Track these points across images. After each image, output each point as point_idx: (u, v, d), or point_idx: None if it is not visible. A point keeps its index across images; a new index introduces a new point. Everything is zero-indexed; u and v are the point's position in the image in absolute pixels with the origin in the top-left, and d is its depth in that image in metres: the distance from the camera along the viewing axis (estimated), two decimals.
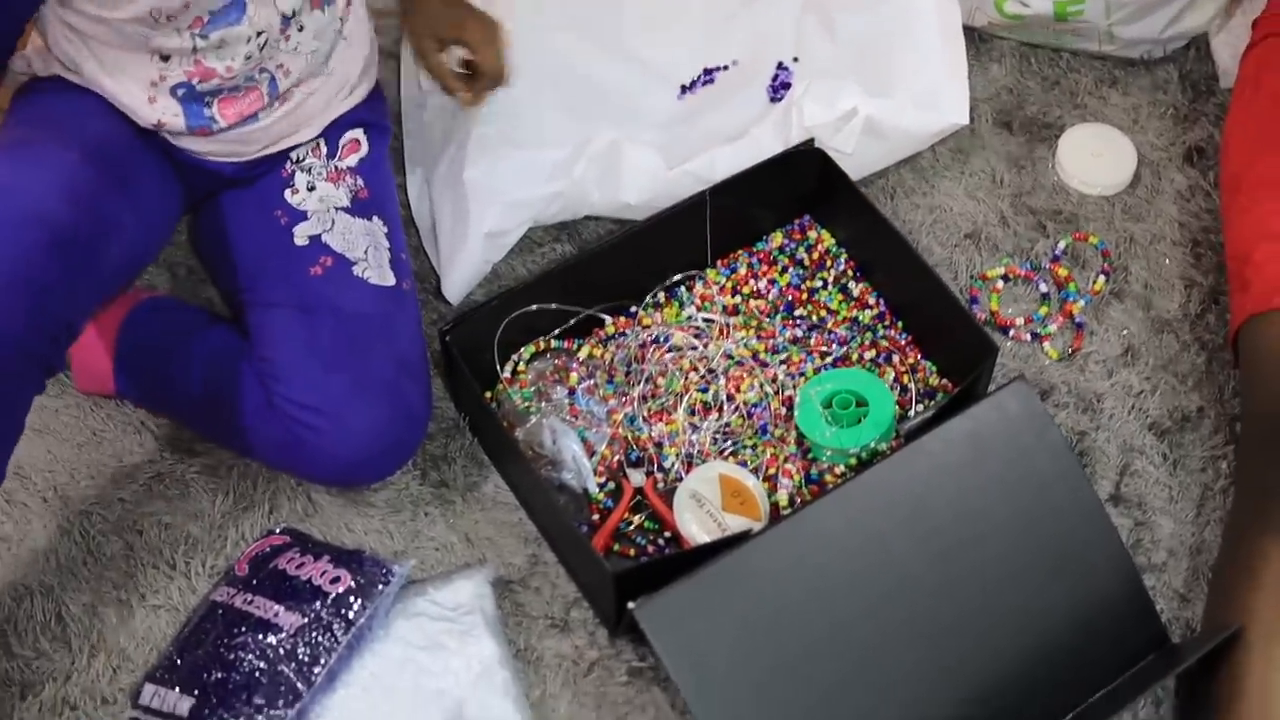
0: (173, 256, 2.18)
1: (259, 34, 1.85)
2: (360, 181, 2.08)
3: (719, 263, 2.19)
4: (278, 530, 1.97)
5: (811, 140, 2.16)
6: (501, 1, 2.31)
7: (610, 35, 2.37)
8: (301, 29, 1.90)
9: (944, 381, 2.10)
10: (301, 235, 2.01)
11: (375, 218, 2.06)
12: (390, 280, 2.00)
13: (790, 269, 2.19)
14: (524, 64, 2.24)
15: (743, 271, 2.18)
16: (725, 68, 2.37)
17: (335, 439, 1.91)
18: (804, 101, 2.18)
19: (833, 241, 2.21)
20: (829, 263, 2.20)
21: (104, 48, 1.86)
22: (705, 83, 2.35)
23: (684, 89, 2.35)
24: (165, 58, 1.86)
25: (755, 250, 2.21)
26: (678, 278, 2.16)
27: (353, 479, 2.00)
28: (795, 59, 2.35)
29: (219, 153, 2.00)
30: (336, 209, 2.04)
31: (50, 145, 1.84)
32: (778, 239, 2.22)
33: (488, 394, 2.03)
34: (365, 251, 2.01)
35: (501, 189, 2.15)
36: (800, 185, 2.19)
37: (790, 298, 2.17)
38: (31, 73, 1.97)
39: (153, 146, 1.96)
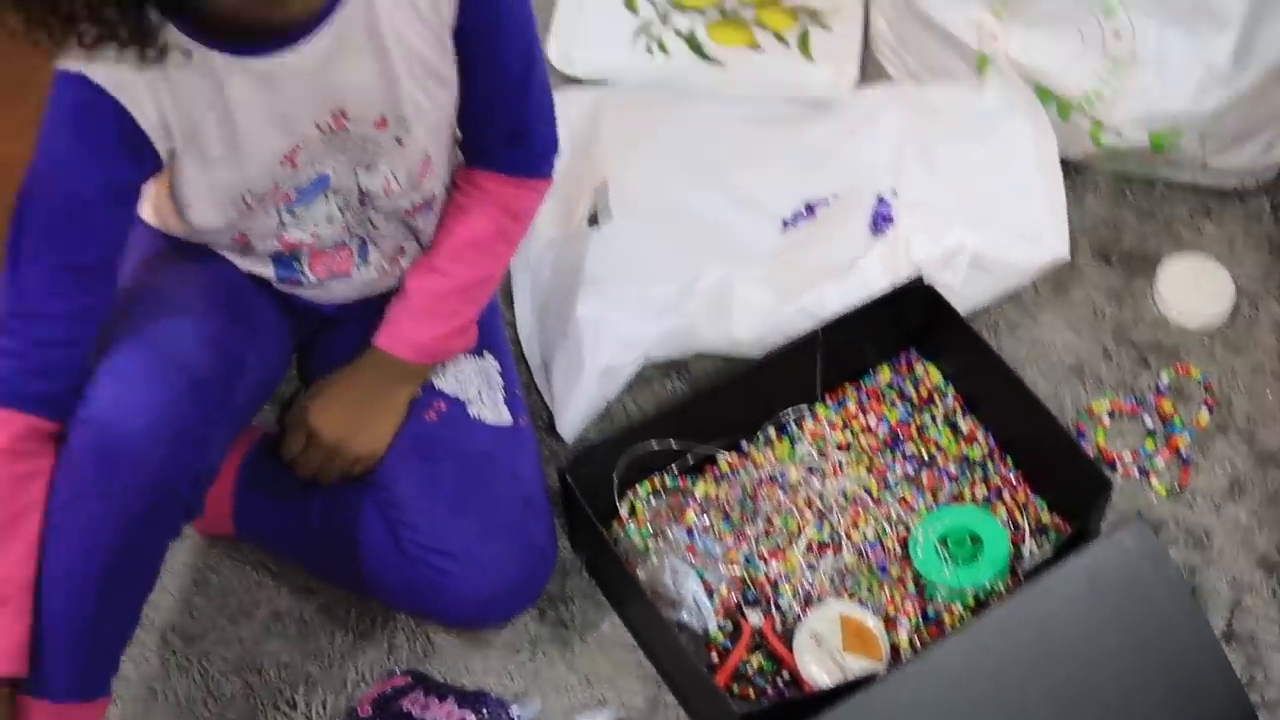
0: (283, 392, 2.19)
1: (335, 192, 1.87)
2: None
3: (828, 397, 2.20)
4: (399, 671, 1.98)
5: (919, 276, 2.18)
6: (608, 141, 2.35)
7: (713, 171, 2.39)
8: (388, 212, 1.93)
9: (1055, 518, 2.11)
10: None
11: (486, 354, 2.07)
12: (506, 419, 2.02)
13: (899, 404, 2.20)
14: (632, 201, 2.27)
15: (852, 407, 2.19)
16: (825, 201, 2.39)
17: (466, 581, 1.92)
18: (912, 236, 2.20)
19: (940, 377, 2.22)
20: (937, 398, 2.21)
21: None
22: (806, 216, 2.37)
23: (786, 223, 2.37)
24: (249, 241, 1.90)
25: (864, 385, 2.22)
26: (788, 412, 2.18)
27: (482, 619, 2.01)
28: (894, 191, 2.37)
29: (319, 296, 2.02)
30: None
31: (176, 288, 1.87)
32: (885, 374, 2.23)
33: (605, 533, 2.04)
34: (478, 391, 2.02)
35: (614, 326, 2.16)
36: (908, 320, 2.20)
37: (900, 433, 2.17)
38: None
39: (262, 283, 1.99)
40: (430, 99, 1.84)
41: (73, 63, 1.64)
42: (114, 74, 1.65)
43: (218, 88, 1.70)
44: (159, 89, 1.68)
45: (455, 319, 2.00)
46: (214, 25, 1.64)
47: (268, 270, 1.97)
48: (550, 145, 2.01)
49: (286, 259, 1.95)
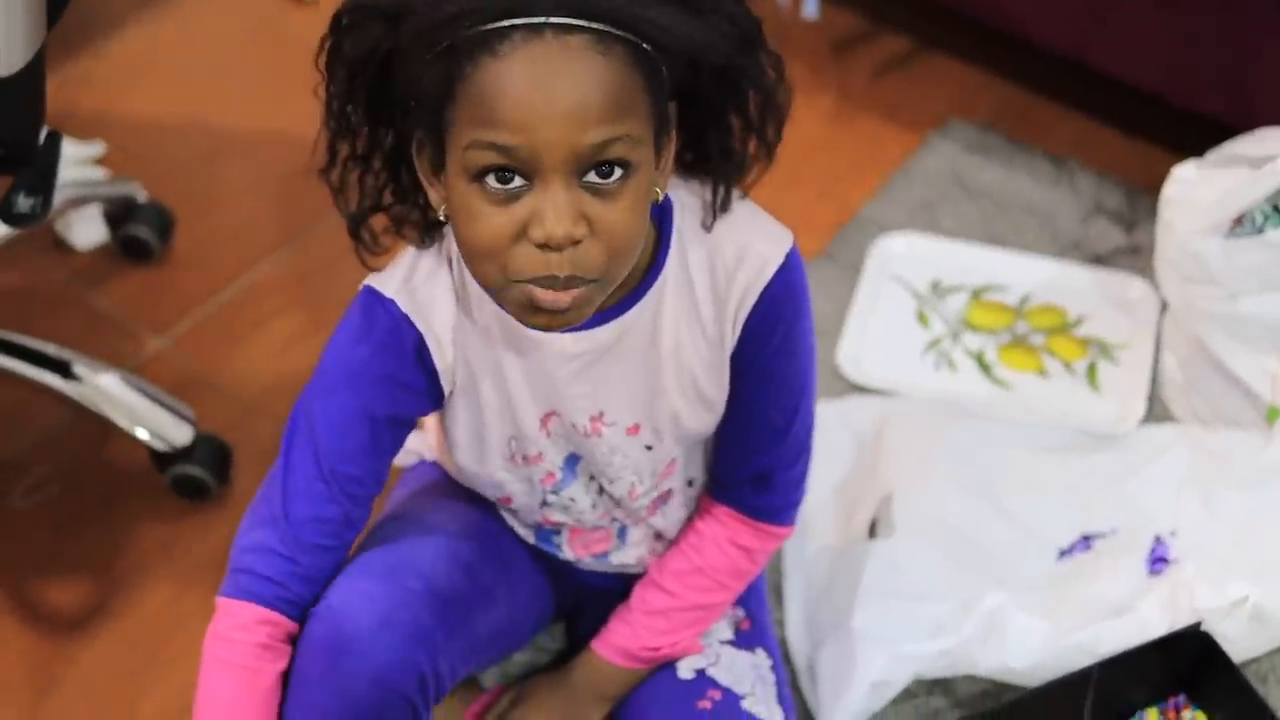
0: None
1: (591, 479, 1.92)
2: (741, 612, 2.12)
3: None
4: None
5: (1199, 623, 2.17)
6: (891, 453, 2.40)
7: (993, 493, 2.42)
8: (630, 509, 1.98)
9: None
10: (686, 669, 2.05)
11: (759, 649, 2.09)
12: (778, 716, 2.02)
13: None
14: (911, 516, 2.31)
15: None
16: (1103, 535, 2.40)
17: None
18: (1195, 583, 2.20)
19: None
20: None
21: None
22: (1083, 548, 2.38)
23: (1062, 552, 2.38)
24: (514, 507, 1.97)
25: None
26: None
27: None
28: (1173, 532, 2.37)
29: (577, 560, 2.07)
30: (720, 642, 2.08)
31: (435, 515, 1.97)
32: (1153, 716, 2.21)
33: None
34: (752, 685, 2.04)
35: (889, 640, 2.18)
36: (1180, 664, 2.19)
37: None
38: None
39: (524, 542, 2.06)
40: (694, 418, 1.87)
41: (389, 285, 1.74)
42: (423, 311, 1.73)
43: (492, 344, 1.76)
44: (456, 339, 1.75)
45: (672, 635, 2.02)
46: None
47: (529, 539, 2.04)
48: (795, 495, 1.99)
49: (545, 532, 2.02)
